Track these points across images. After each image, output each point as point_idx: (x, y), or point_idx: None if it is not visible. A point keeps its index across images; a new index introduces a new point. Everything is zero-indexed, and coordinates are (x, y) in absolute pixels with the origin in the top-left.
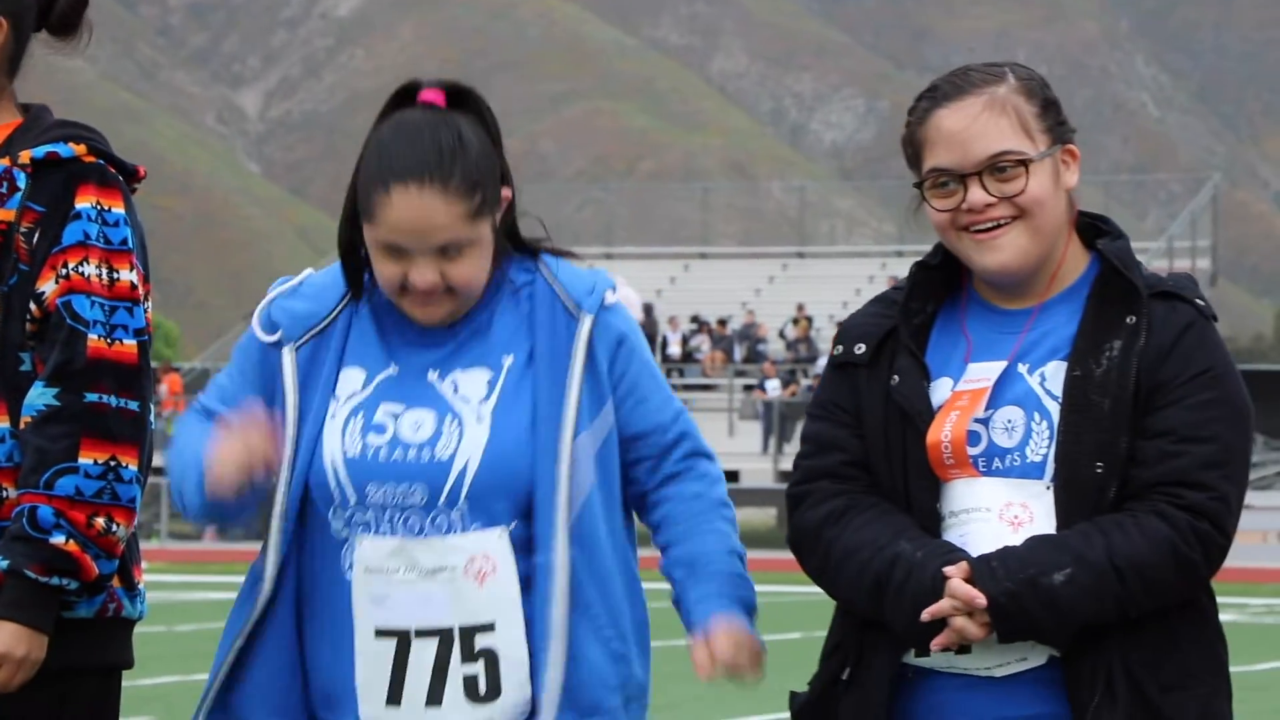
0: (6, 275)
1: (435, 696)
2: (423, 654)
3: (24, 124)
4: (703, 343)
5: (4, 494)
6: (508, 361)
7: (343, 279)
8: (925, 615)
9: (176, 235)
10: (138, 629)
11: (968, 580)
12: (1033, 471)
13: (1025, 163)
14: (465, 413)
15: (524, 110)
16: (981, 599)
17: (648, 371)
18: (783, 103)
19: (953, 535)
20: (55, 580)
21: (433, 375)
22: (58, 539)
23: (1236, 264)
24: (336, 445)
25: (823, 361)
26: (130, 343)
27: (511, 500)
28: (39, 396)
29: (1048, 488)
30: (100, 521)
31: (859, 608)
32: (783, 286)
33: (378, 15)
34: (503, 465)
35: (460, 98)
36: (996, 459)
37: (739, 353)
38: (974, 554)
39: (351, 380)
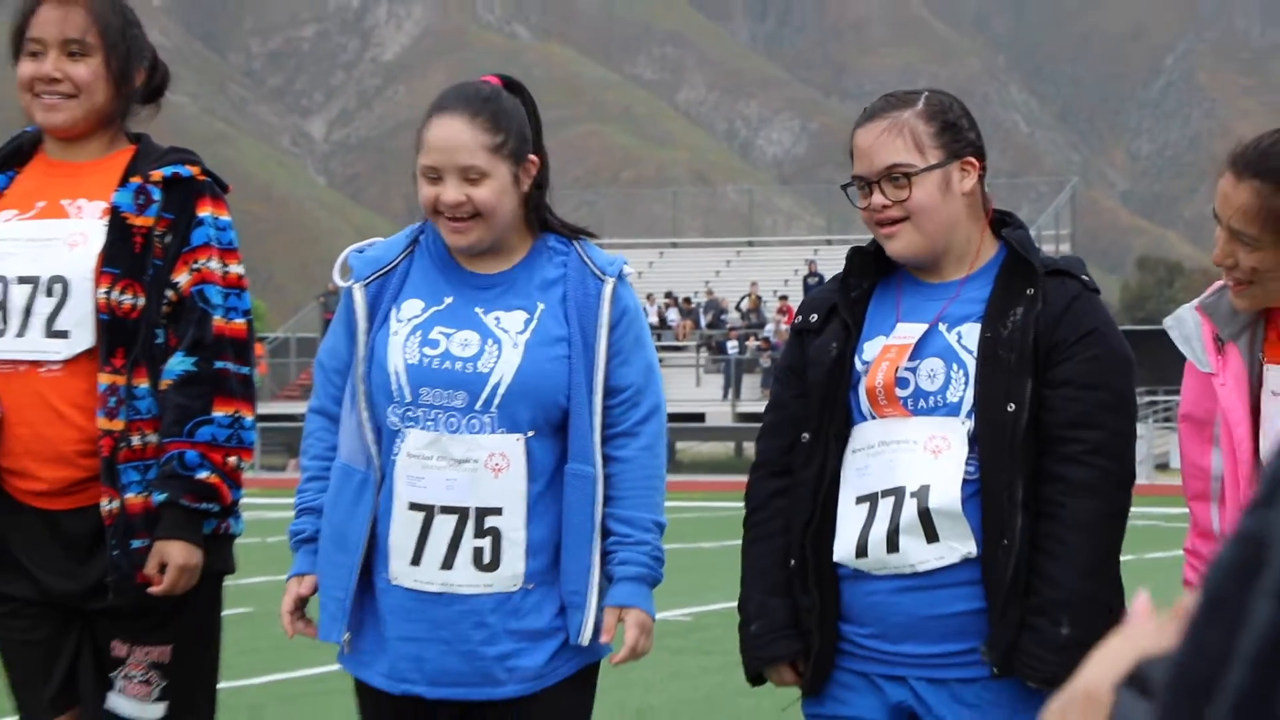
0: (147, 268)
1: (448, 562)
2: (443, 527)
3: (139, 150)
4: (675, 314)
5: (146, 439)
6: (541, 306)
7: (403, 242)
8: None
9: (260, 234)
10: (238, 541)
11: None
12: (953, 410)
13: (909, 175)
14: (504, 339)
15: None
16: None
17: (638, 342)
18: (735, 124)
19: (884, 459)
20: (203, 505)
21: (479, 310)
22: (202, 474)
23: (1090, 247)
24: (399, 354)
25: (770, 326)
26: (241, 321)
27: (532, 414)
28: (179, 364)
29: (963, 423)
30: (232, 460)
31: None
32: (737, 269)
33: (415, 60)
34: (529, 385)
35: (511, 85)
36: (921, 399)
37: (704, 320)
38: (901, 476)
39: (412, 307)
